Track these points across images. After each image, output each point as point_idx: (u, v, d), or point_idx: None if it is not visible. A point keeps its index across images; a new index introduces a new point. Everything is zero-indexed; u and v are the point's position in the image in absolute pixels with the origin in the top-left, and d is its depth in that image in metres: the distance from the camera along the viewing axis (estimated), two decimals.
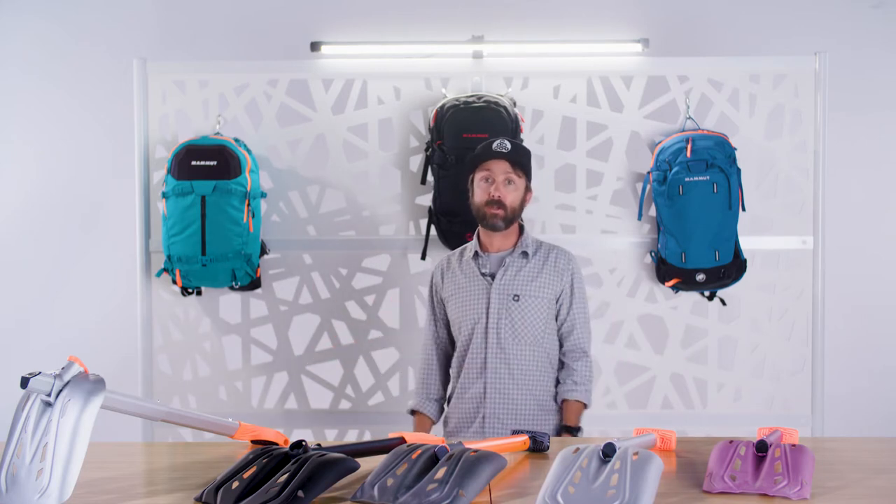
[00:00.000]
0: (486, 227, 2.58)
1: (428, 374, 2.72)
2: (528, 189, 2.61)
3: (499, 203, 2.53)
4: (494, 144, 2.56)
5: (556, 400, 2.61)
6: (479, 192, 2.57)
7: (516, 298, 2.56)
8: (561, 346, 2.64)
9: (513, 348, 2.55)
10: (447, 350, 2.73)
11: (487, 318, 2.56)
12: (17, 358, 3.67)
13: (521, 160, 2.57)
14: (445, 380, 2.73)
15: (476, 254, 2.63)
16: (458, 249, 2.73)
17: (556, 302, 2.61)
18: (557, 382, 2.63)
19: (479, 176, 2.58)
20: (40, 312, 3.74)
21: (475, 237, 2.66)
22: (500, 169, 2.55)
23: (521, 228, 2.66)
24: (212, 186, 3.00)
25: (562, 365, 2.64)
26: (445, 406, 2.72)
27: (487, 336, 2.56)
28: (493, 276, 2.59)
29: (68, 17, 3.71)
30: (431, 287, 2.73)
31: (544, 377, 2.59)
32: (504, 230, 2.58)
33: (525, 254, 2.60)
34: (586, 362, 2.62)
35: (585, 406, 2.61)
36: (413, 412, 2.71)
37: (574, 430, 2.56)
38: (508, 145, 2.55)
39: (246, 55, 3.61)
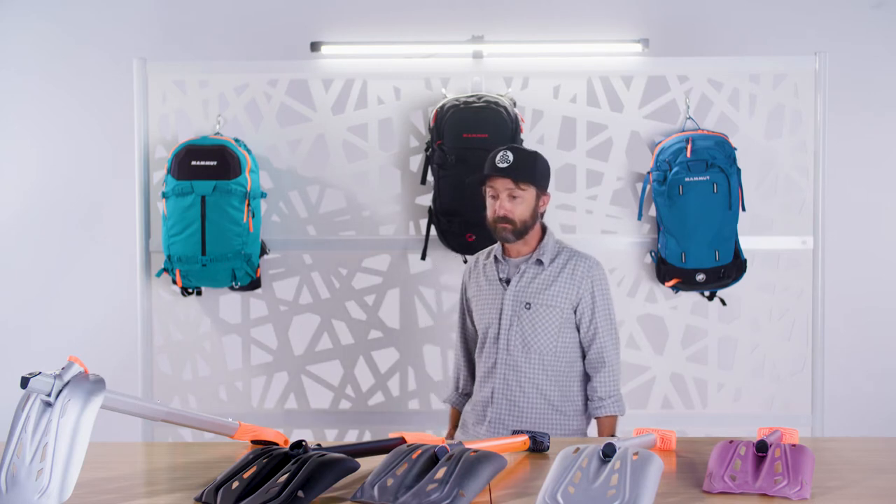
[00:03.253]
0: (499, 239, 2.58)
1: (458, 368, 2.77)
2: (540, 195, 2.55)
3: (505, 219, 2.51)
4: (497, 159, 2.50)
5: (582, 412, 2.61)
6: (488, 208, 2.55)
7: (528, 306, 2.54)
8: (584, 355, 2.61)
9: (521, 356, 2.54)
10: (476, 344, 2.72)
11: (500, 324, 2.56)
12: (18, 358, 3.67)
13: (523, 173, 2.49)
14: (474, 372, 2.73)
15: (496, 258, 2.63)
16: (488, 249, 2.71)
17: (575, 311, 2.57)
18: (586, 397, 2.62)
19: (487, 192, 2.56)
20: (40, 313, 3.74)
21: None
22: (503, 185, 2.50)
23: (545, 231, 2.62)
24: (212, 186, 3.00)
25: (586, 377, 2.62)
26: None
27: (498, 342, 2.56)
28: (508, 282, 2.59)
29: (68, 17, 3.71)
30: (462, 284, 2.76)
31: (554, 387, 2.55)
32: (516, 241, 2.56)
33: (540, 261, 2.57)
34: (606, 372, 2.56)
35: (619, 415, 2.59)
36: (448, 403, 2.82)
37: None
38: (511, 158, 2.49)
39: (246, 55, 3.61)
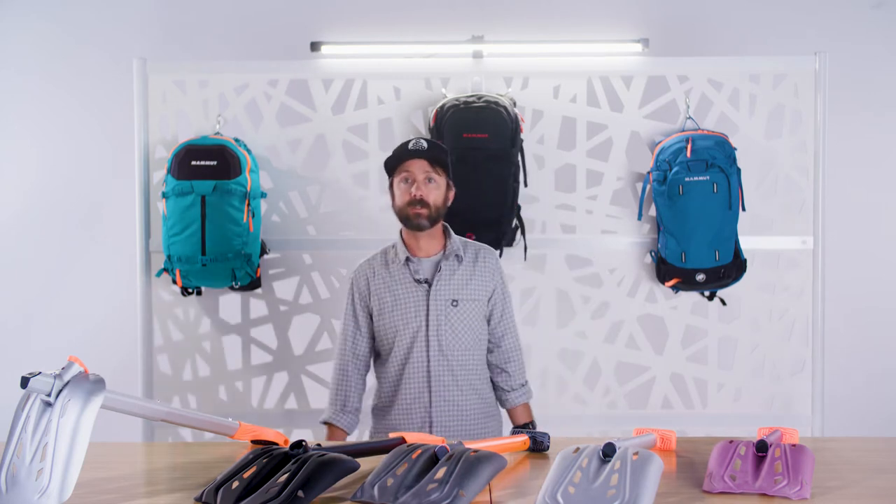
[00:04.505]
0: (410, 227, 2.51)
1: (344, 385, 2.60)
2: (449, 187, 2.56)
3: (421, 202, 2.47)
4: (411, 144, 2.50)
5: (501, 404, 2.64)
6: (400, 194, 2.50)
7: (455, 304, 2.52)
8: (492, 346, 2.61)
9: (455, 354, 2.51)
10: (366, 361, 2.63)
11: (427, 325, 2.50)
12: (18, 358, 3.67)
13: (439, 157, 2.50)
14: (361, 391, 2.64)
15: (408, 259, 2.55)
16: (379, 254, 2.63)
17: (488, 302, 2.58)
18: (495, 387, 2.62)
19: (398, 178, 2.51)
20: (40, 312, 3.74)
21: (400, 241, 2.59)
22: (420, 168, 2.49)
23: (446, 229, 2.61)
24: (212, 186, 3.00)
25: (495, 369, 2.61)
26: (373, 417, 2.63)
27: (429, 344, 2.50)
28: (428, 282, 2.53)
29: (68, 17, 3.71)
30: (353, 295, 2.62)
31: (485, 379, 2.59)
32: (429, 229, 2.52)
33: (458, 257, 2.56)
34: (519, 361, 2.64)
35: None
36: (326, 423, 2.60)
37: (533, 425, 2.60)
38: (425, 144, 2.50)
39: (246, 55, 3.61)
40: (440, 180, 2.51)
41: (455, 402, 2.52)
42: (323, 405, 3.29)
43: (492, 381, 2.63)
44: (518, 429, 2.41)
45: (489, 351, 2.63)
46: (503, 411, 2.68)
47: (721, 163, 3.02)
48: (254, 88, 3.24)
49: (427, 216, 2.49)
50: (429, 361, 2.51)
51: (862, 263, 3.62)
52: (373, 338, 2.62)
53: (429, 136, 3.16)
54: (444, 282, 2.53)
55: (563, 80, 3.23)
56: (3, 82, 3.74)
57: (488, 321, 2.60)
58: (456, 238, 2.59)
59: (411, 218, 2.49)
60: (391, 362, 2.56)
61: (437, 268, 2.54)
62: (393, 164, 2.52)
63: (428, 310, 2.51)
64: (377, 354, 2.65)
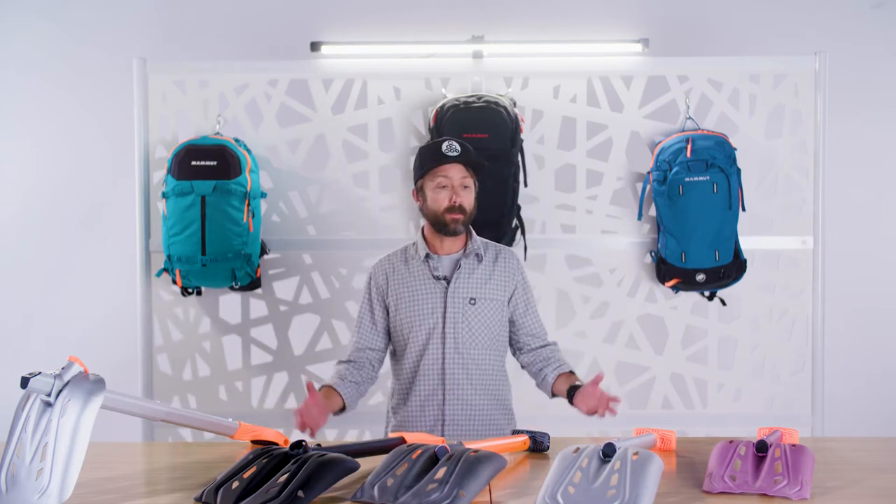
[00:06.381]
0: (446, 233, 2.49)
1: (346, 366, 2.55)
2: (476, 188, 2.55)
3: (459, 209, 2.47)
4: (444, 147, 2.47)
5: (553, 388, 2.57)
6: (437, 199, 2.47)
7: (473, 302, 2.51)
8: (523, 345, 2.59)
9: (471, 352, 2.49)
10: (378, 353, 2.61)
11: (444, 323, 2.49)
12: (18, 358, 3.67)
13: (472, 160, 2.49)
14: (367, 377, 2.58)
15: (429, 255, 2.55)
16: (399, 251, 2.63)
17: (509, 303, 2.57)
18: (538, 375, 2.56)
19: (433, 182, 2.48)
20: (40, 312, 3.74)
21: (421, 239, 2.57)
22: (457, 174, 2.47)
23: (468, 229, 2.59)
24: (212, 186, 3.00)
25: (537, 364, 2.57)
26: (392, 416, 2.60)
27: (445, 341, 2.49)
28: (446, 280, 2.52)
29: (68, 17, 3.71)
30: (370, 290, 2.61)
31: (500, 379, 2.56)
32: (460, 235, 2.52)
33: (479, 256, 2.55)
34: (555, 346, 2.61)
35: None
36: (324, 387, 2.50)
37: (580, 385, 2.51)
38: (458, 147, 2.47)
39: (246, 55, 3.61)
40: (472, 184, 2.51)
41: (469, 400, 2.51)
42: None
43: (544, 377, 2.55)
44: (518, 430, 2.42)
45: (523, 353, 2.60)
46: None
47: (721, 163, 3.02)
48: (254, 88, 3.24)
49: (462, 221, 2.48)
50: (444, 359, 2.49)
51: (862, 263, 3.62)
52: (388, 333, 2.61)
53: (429, 137, 3.17)
54: (462, 279, 2.52)
55: (563, 80, 3.23)
56: (3, 82, 3.74)
57: (513, 322, 2.59)
58: (478, 238, 2.59)
59: (448, 224, 2.48)
60: (406, 359, 2.55)
61: (456, 265, 2.54)
62: (426, 167, 2.49)
63: (445, 307, 2.50)
64: (393, 352, 2.64)
